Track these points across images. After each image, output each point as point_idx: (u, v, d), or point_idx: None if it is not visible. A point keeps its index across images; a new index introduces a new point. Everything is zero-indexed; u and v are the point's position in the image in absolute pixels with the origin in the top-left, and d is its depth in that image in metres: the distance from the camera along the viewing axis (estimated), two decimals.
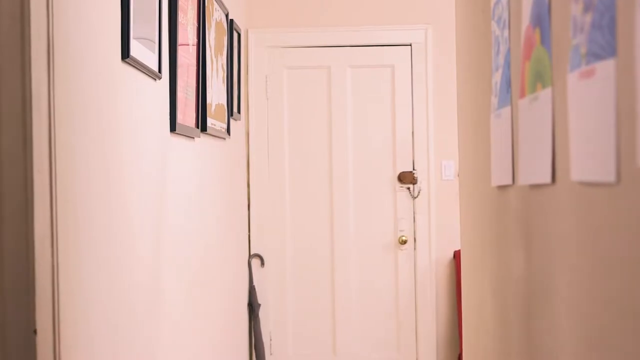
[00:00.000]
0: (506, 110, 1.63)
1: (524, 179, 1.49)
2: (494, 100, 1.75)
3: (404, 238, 5.34)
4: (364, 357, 5.37)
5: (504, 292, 1.78)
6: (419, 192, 5.36)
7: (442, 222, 5.36)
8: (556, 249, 1.32)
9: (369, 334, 5.36)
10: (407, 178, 5.36)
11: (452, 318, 5.35)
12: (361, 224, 5.37)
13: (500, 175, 1.71)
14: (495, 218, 1.86)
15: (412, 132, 5.38)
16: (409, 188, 5.37)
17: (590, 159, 1.05)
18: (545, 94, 1.32)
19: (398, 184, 5.37)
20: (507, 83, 1.61)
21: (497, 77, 1.70)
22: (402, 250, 5.37)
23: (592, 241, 1.11)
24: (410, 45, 5.41)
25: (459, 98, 2.43)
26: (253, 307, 5.23)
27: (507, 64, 1.61)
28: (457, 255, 5.26)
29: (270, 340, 5.38)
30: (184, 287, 3.30)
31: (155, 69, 2.79)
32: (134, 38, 2.48)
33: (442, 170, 5.39)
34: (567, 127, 1.19)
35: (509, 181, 1.64)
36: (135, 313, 2.53)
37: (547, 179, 1.31)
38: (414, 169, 5.37)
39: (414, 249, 5.38)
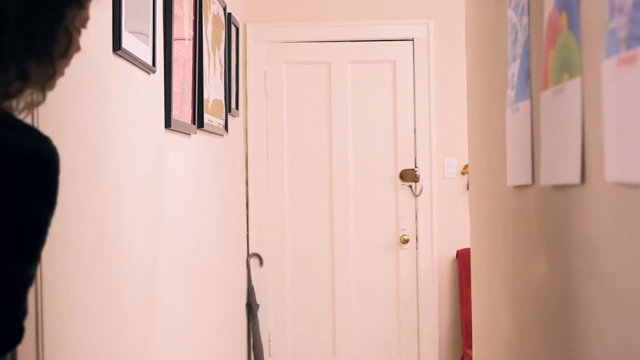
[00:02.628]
0: (525, 104, 1.51)
1: (546, 179, 1.37)
2: (511, 93, 1.63)
3: (405, 237, 5.26)
4: (364, 358, 5.30)
5: (520, 299, 1.66)
6: (421, 190, 5.28)
7: (444, 220, 5.27)
8: (587, 255, 1.20)
9: (370, 335, 5.29)
10: (408, 176, 5.28)
11: (454, 319, 5.27)
12: (362, 223, 5.28)
13: (517, 174, 1.59)
14: (510, 220, 1.73)
15: (414, 129, 5.30)
16: (410, 186, 5.29)
17: (632, 157, 0.93)
18: (573, 84, 1.19)
19: (400, 182, 5.29)
20: (526, 74, 1.49)
21: (514, 68, 1.58)
22: (403, 249, 5.29)
23: (635, 247, 0.99)
24: (412, 40, 5.33)
25: (469, 92, 2.30)
26: (252, 307, 5.15)
27: (526, 54, 1.48)
28: (460, 254, 5.19)
29: (269, 341, 5.30)
30: (180, 288, 3.22)
31: (150, 62, 2.69)
32: (126, 29, 2.37)
33: (444, 168, 5.31)
34: (601, 122, 1.07)
35: (527, 181, 1.52)
36: (128, 316, 2.45)
37: (576, 179, 1.19)
38: (415, 167, 5.28)
39: (416, 248, 5.30)
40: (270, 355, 5.30)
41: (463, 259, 5.12)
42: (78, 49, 1.26)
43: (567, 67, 1.22)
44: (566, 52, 1.22)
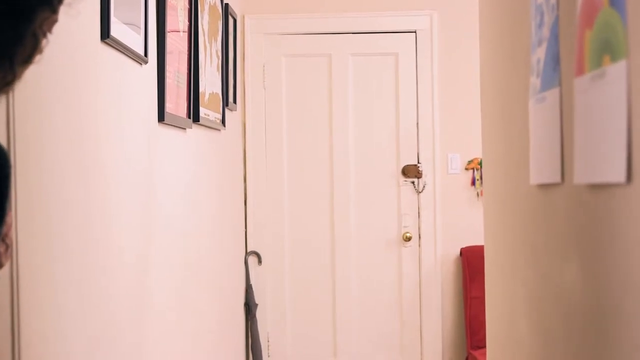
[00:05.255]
0: (553, 93, 1.36)
1: (580, 177, 1.21)
2: (535, 81, 1.47)
3: (408, 234, 5.16)
4: (366, 359, 5.20)
5: (544, 308, 1.52)
6: (423, 187, 5.17)
7: (448, 217, 5.18)
8: (629, 266, 1.05)
9: (371, 335, 5.20)
10: (411, 172, 5.17)
11: (458, 318, 5.17)
12: (363, 220, 5.19)
13: (542, 171, 1.44)
14: (532, 221, 1.58)
15: (417, 124, 5.19)
16: (413, 182, 5.19)
17: None
18: (616, 68, 1.04)
19: (402, 178, 5.19)
20: (555, 59, 1.33)
21: (540, 53, 1.42)
22: (406, 247, 5.19)
23: None
24: (415, 32, 5.22)
25: (482, 82, 2.15)
26: (250, 307, 5.06)
27: (555, 36, 1.33)
28: (464, 252, 5.09)
29: (268, 341, 5.22)
30: (175, 288, 3.15)
31: (141, 52, 2.56)
32: (115, 17, 2.23)
33: (448, 164, 5.21)
34: None
35: (556, 179, 1.36)
36: (118, 316, 2.37)
37: (620, 177, 1.04)
38: (418, 162, 5.17)
39: (419, 245, 5.20)
40: (269, 356, 5.23)
41: (467, 257, 5.03)
42: (41, 52, 1.11)
43: (609, 49, 1.07)
44: (607, 31, 1.07)
